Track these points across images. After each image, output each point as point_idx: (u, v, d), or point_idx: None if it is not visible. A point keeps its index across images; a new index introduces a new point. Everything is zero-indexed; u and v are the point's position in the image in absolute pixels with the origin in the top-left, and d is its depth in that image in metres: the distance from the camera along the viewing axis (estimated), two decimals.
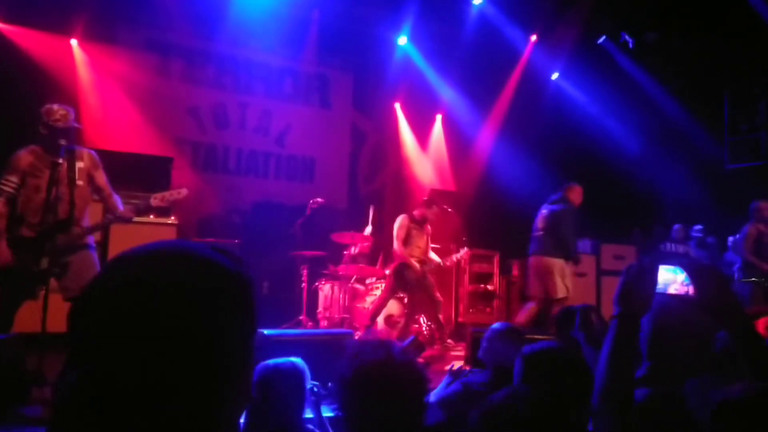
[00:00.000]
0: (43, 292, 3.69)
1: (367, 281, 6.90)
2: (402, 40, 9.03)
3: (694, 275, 1.57)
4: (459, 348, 6.60)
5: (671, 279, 1.64)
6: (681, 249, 6.71)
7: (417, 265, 6.36)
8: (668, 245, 6.72)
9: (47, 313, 3.68)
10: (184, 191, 4.17)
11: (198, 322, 0.72)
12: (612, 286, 8.19)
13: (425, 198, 7.90)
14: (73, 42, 7.21)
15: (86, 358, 0.71)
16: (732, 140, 9.04)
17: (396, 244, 6.35)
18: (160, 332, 0.70)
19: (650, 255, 8.19)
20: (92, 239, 4.13)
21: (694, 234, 7.83)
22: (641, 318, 1.51)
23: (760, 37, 8.15)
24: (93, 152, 4.14)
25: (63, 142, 3.80)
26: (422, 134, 9.72)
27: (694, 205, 8.40)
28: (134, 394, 0.69)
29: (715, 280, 1.58)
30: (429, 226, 6.66)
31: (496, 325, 3.40)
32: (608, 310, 8.03)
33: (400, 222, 6.45)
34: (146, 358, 0.70)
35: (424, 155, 9.69)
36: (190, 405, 0.71)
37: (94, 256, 4.07)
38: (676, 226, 8.16)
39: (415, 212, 6.57)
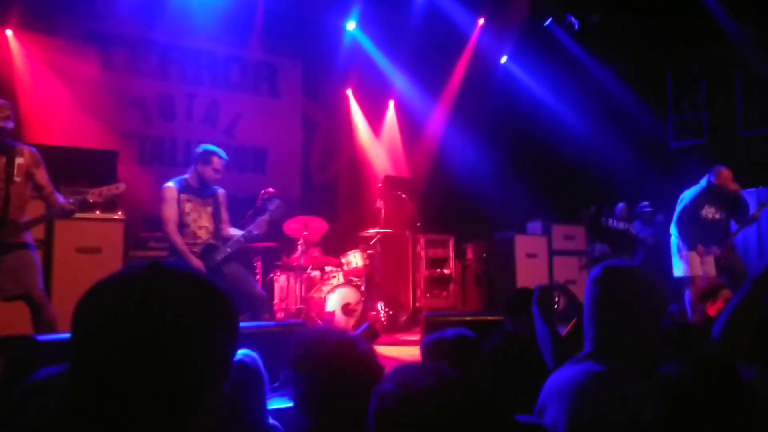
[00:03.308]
0: None
1: (327, 269, 6.87)
2: (351, 26, 8.95)
3: None
4: (415, 333, 6.66)
5: None
6: (622, 226, 6.85)
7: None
8: (610, 221, 6.85)
9: None
10: (122, 186, 4.10)
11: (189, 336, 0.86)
12: (563, 266, 8.38)
13: (379, 185, 7.92)
14: (8, 32, 6.94)
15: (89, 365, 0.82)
16: (676, 119, 9.28)
17: None
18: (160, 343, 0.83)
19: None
20: (31, 237, 4.00)
21: (641, 210, 8.01)
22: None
23: (700, 18, 8.37)
24: (34, 150, 4.04)
25: None
26: (375, 121, 9.65)
27: (640, 183, 8.61)
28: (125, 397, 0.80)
29: None
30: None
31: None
32: None
33: None
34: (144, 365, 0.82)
35: (377, 142, 9.65)
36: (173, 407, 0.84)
37: (33, 254, 3.95)
38: (620, 205, 8.36)
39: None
